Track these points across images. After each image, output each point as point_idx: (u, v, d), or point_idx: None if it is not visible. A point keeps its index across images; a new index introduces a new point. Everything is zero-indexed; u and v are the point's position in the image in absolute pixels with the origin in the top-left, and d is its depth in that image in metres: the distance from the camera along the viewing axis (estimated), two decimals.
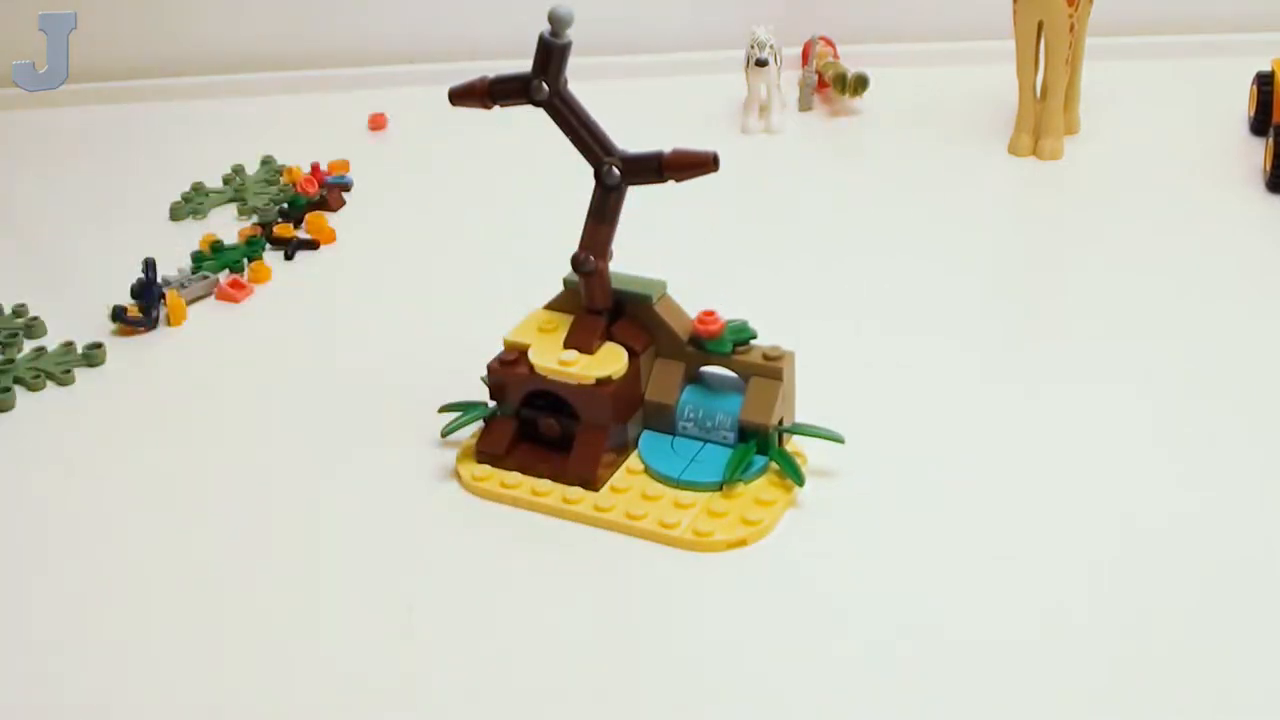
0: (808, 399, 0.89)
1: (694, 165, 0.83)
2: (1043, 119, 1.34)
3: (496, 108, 0.87)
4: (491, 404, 0.90)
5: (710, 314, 0.87)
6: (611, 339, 0.87)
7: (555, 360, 0.86)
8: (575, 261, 0.86)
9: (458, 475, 0.89)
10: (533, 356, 0.87)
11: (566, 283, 0.89)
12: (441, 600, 0.79)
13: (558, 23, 0.83)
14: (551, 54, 0.84)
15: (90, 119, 1.58)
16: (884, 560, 0.80)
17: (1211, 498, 0.84)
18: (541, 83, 0.84)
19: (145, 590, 0.81)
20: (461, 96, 0.88)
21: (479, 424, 0.91)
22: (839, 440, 0.87)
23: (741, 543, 0.81)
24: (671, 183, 0.84)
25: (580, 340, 0.87)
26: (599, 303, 0.87)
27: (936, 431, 0.92)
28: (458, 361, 0.97)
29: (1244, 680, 0.71)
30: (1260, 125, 1.33)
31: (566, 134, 0.86)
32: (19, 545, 0.86)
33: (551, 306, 0.90)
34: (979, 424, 0.93)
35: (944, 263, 1.15)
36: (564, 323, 0.89)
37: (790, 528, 0.83)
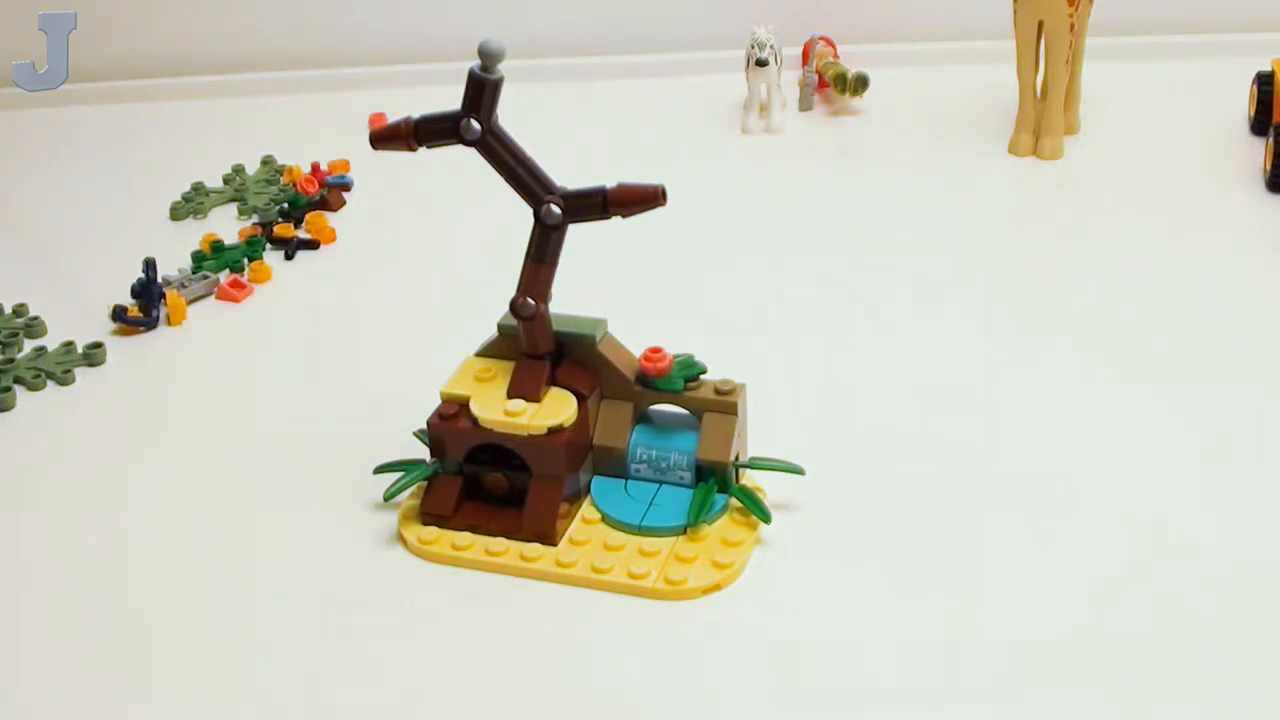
0: (798, 410, 0.86)
1: (641, 200, 0.78)
2: (1043, 119, 1.34)
3: (423, 150, 0.82)
4: (431, 461, 0.85)
5: (657, 351, 0.83)
6: (556, 384, 0.83)
7: (501, 412, 0.81)
8: (514, 306, 0.81)
9: (402, 539, 0.83)
10: (475, 409, 0.82)
11: (501, 328, 0.85)
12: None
13: (489, 57, 0.78)
14: (484, 90, 0.79)
15: (90, 119, 1.58)
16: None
17: (1214, 499, 0.84)
18: (472, 121, 0.79)
19: (142, 590, 0.81)
20: (384, 140, 0.82)
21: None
22: (799, 472, 0.84)
23: (716, 587, 0.78)
24: (618, 218, 0.80)
25: (525, 389, 0.82)
26: (541, 348, 0.83)
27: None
28: (457, 364, 0.96)
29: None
30: (1260, 125, 1.33)
31: (502, 174, 0.81)
32: (18, 545, 0.86)
33: (484, 353, 0.86)
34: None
35: (942, 264, 1.15)
36: (501, 370, 0.84)
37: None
